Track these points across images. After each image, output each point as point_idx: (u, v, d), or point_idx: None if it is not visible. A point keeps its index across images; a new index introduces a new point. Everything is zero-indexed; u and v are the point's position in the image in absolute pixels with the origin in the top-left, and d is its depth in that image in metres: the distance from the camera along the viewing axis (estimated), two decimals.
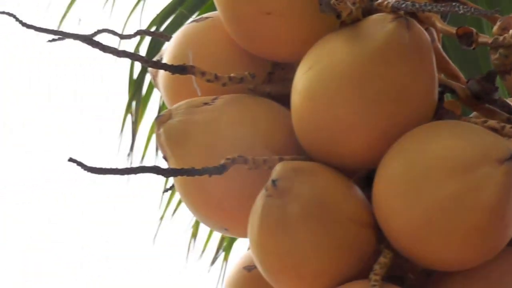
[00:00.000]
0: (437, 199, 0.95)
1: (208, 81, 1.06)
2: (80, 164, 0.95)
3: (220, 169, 0.98)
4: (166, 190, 2.84)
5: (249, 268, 1.09)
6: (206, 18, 1.17)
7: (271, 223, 0.98)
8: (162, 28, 3.04)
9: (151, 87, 2.92)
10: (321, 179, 1.01)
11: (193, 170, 0.98)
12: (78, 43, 1.03)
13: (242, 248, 3.02)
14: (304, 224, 0.97)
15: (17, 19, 1.02)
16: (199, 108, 1.07)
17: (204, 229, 3.12)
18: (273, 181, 0.97)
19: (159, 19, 3.01)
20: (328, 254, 0.98)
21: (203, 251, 3.12)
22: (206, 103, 1.07)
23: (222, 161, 0.98)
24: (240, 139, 1.05)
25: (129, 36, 1.19)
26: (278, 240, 0.99)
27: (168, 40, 1.21)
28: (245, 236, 1.06)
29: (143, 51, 2.91)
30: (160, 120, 1.05)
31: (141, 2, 3.12)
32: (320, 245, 0.98)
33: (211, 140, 1.05)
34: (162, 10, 3.05)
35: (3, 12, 1.04)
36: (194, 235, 3.07)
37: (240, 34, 1.11)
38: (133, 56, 1.01)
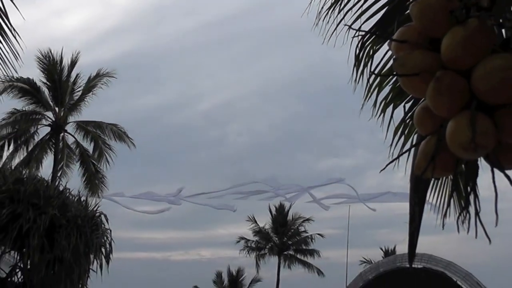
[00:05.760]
0: None
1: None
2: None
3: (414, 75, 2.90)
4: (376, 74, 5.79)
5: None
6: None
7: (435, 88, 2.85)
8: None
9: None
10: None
11: (407, 74, 2.91)
12: None
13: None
14: None
15: None
16: (408, 54, 2.97)
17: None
18: (437, 77, 2.89)
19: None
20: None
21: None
22: (408, 54, 2.97)
23: (416, 72, 2.90)
24: (423, 64, 2.94)
25: None
26: (435, 97, 2.87)
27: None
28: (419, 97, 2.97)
29: None
30: (394, 59, 2.97)
31: None
32: None
33: (413, 65, 2.93)
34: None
35: None
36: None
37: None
38: None
